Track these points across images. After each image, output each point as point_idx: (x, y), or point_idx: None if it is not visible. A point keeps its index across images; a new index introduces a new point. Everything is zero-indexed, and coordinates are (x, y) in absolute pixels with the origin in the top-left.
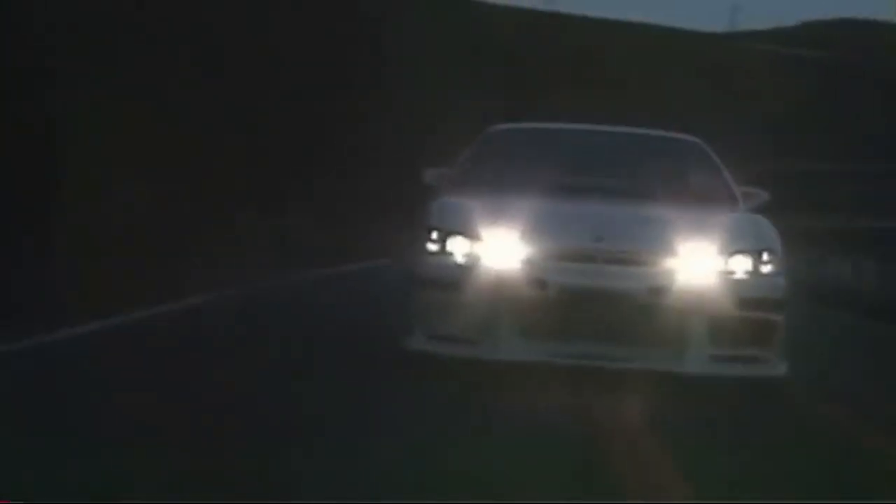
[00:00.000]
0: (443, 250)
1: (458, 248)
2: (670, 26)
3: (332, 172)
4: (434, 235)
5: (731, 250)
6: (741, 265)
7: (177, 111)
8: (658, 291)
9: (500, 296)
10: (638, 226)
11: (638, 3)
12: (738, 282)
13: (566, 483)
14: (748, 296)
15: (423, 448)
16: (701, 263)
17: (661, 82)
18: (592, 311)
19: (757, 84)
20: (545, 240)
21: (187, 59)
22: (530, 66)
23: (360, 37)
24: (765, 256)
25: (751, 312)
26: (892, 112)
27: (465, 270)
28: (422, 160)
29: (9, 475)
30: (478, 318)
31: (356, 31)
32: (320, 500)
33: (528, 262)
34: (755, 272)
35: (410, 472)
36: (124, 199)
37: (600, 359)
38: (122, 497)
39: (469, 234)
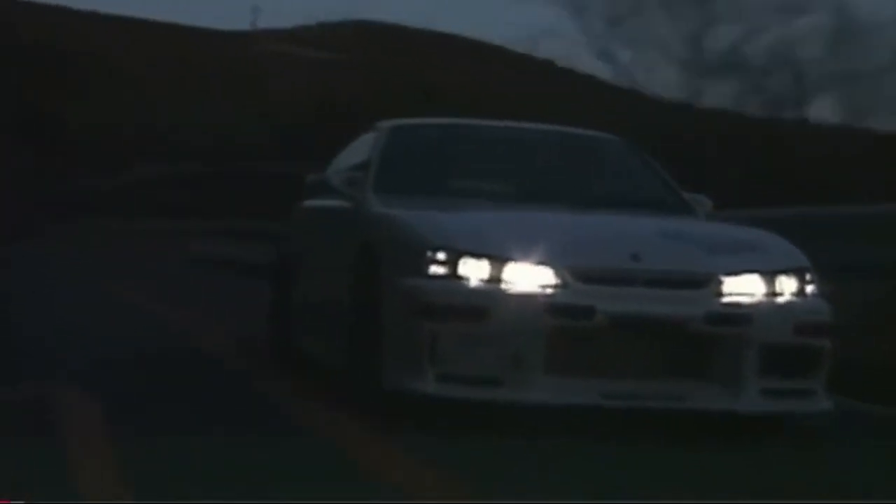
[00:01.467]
0: (454, 273)
1: (473, 271)
2: (192, 25)
3: None
4: (441, 256)
5: (774, 269)
6: (787, 286)
7: None
8: (711, 318)
9: (530, 326)
10: (671, 241)
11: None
12: (788, 305)
13: None
14: (800, 321)
15: None
16: (747, 284)
17: (182, 80)
18: (641, 342)
19: (274, 83)
20: (580, 259)
21: None
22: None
23: None
24: (808, 276)
25: (804, 339)
26: None
27: (487, 296)
28: None
29: None
30: (504, 353)
31: None
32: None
33: (563, 286)
34: (801, 293)
35: None
36: None
37: (645, 399)
38: None
39: (486, 254)
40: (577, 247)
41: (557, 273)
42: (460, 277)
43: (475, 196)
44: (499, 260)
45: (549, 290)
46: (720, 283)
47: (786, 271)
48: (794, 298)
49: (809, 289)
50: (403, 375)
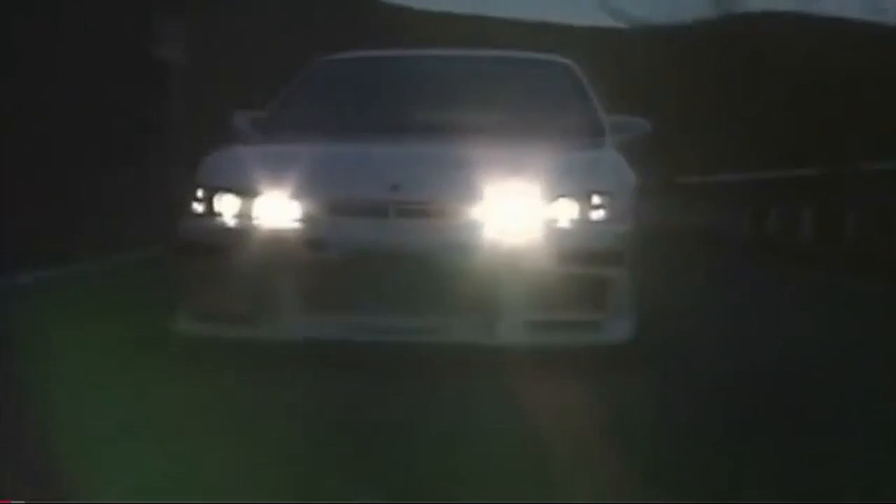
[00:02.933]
0: (210, 211)
1: (226, 207)
2: None
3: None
4: (200, 193)
5: (554, 195)
6: (565, 212)
7: None
8: (461, 248)
9: (276, 262)
10: (444, 170)
11: None
12: (559, 232)
13: None
14: (569, 248)
15: None
16: (516, 213)
17: None
18: (383, 275)
19: None
20: (327, 191)
21: None
22: None
23: None
24: (595, 200)
25: (573, 268)
26: None
27: (234, 233)
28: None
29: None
30: (251, 290)
31: None
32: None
33: (307, 220)
34: (582, 220)
35: None
36: None
37: (398, 333)
38: None
39: (240, 190)
40: (337, 179)
41: (305, 206)
42: (216, 214)
43: (323, 132)
44: (249, 194)
45: (295, 225)
46: (479, 211)
47: (567, 196)
48: (570, 226)
49: (597, 215)
50: (172, 315)
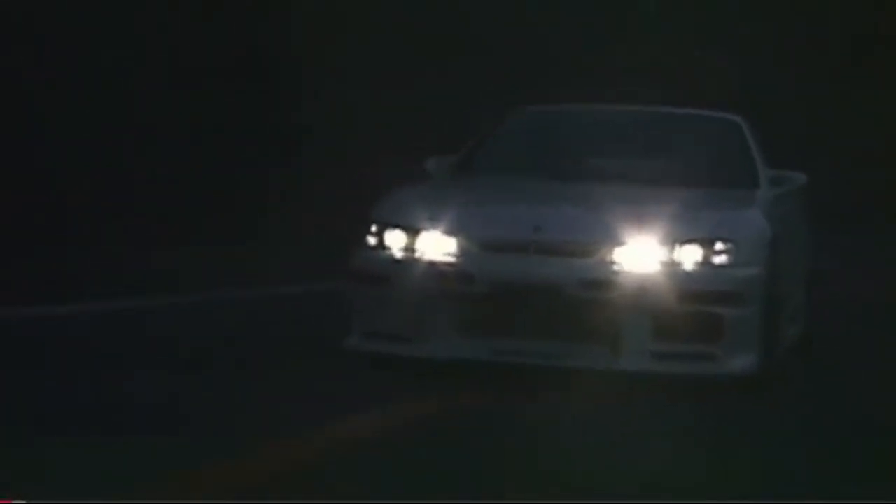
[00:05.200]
0: (380, 244)
1: (394, 241)
2: None
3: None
4: (374, 228)
5: (682, 239)
6: (690, 256)
7: None
8: (592, 283)
9: (433, 291)
10: (581, 214)
11: None
12: (682, 273)
13: None
14: (690, 288)
15: None
16: (644, 253)
17: None
18: (524, 305)
19: None
20: (478, 230)
21: None
22: None
23: None
24: (719, 246)
25: (693, 306)
26: None
27: (399, 265)
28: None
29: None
30: (412, 315)
31: None
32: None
33: (461, 255)
34: (705, 263)
35: None
36: None
37: (536, 357)
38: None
39: (406, 226)
40: (487, 219)
41: (459, 243)
42: (386, 247)
43: (530, 175)
44: (413, 230)
45: (451, 259)
46: (610, 252)
47: (694, 241)
48: (694, 268)
49: (720, 259)
50: (348, 334)
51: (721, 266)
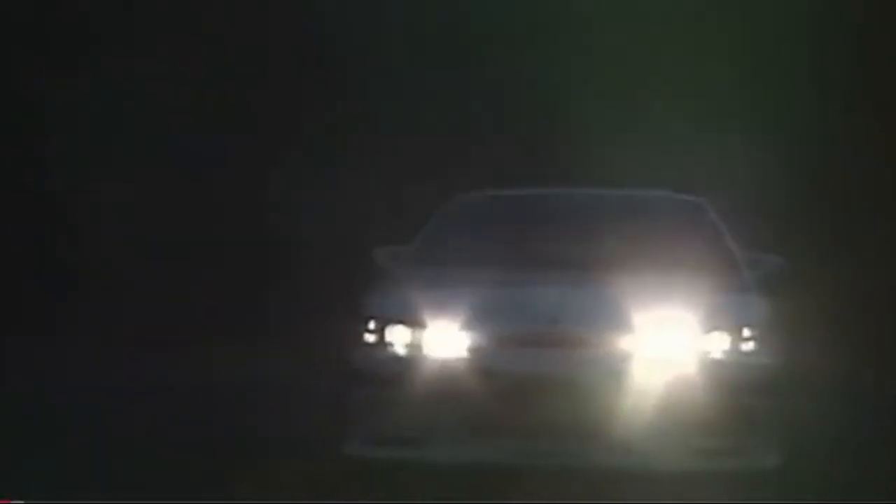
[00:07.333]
0: (381, 341)
1: (398, 338)
2: None
3: None
4: (371, 325)
5: (709, 327)
6: (718, 344)
7: None
8: (617, 377)
9: (445, 390)
10: (599, 306)
11: None
12: (712, 362)
13: None
14: (722, 378)
15: None
16: (670, 344)
17: None
18: (544, 401)
19: None
20: (495, 325)
21: None
22: None
23: None
24: (746, 333)
25: (724, 397)
26: None
27: (406, 362)
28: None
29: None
30: (422, 416)
31: None
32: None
33: (476, 350)
34: (734, 351)
35: None
36: None
37: (556, 457)
38: None
39: (410, 321)
40: (500, 312)
41: (472, 337)
42: (388, 344)
43: (482, 268)
44: (419, 326)
45: (464, 354)
46: (633, 341)
47: (718, 329)
48: (723, 357)
49: (747, 347)
50: (343, 439)
51: (750, 354)
